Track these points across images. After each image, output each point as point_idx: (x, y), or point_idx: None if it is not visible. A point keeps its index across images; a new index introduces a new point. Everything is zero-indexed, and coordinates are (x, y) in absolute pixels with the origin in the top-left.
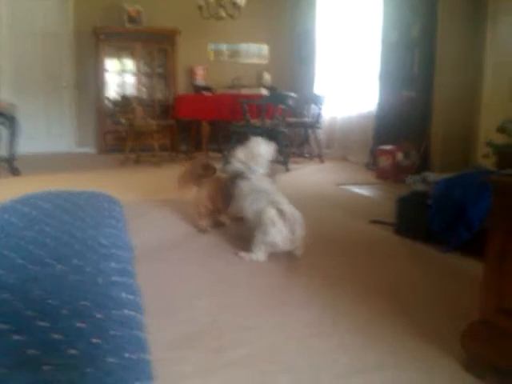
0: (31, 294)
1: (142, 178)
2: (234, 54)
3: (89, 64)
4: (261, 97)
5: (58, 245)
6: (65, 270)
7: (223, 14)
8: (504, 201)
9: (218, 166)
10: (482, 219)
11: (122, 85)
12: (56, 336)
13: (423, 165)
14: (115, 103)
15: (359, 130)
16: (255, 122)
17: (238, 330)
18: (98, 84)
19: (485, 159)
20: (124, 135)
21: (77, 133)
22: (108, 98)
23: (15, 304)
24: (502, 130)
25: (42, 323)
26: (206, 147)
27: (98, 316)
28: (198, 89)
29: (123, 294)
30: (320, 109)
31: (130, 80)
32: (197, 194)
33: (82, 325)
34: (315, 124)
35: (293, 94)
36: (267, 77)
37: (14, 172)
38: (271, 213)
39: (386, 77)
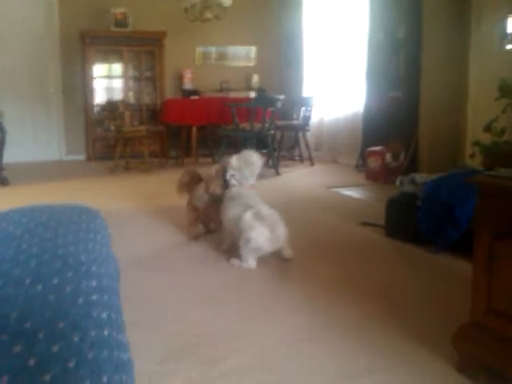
0: (7, 317)
1: (131, 186)
2: (222, 56)
3: (75, 68)
4: (249, 100)
5: (38, 263)
6: (44, 290)
7: (209, 15)
8: (488, 202)
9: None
10: (469, 219)
11: (110, 89)
12: (31, 361)
13: (412, 165)
14: (102, 108)
15: (347, 132)
16: (244, 125)
17: (228, 339)
18: (86, 89)
19: (472, 159)
20: (113, 142)
21: (65, 140)
22: (96, 105)
23: None
24: (487, 129)
25: (16, 348)
26: (195, 152)
27: (76, 339)
28: (186, 93)
29: (103, 314)
30: (309, 111)
31: (118, 84)
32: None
33: (59, 348)
34: (304, 126)
35: (281, 97)
36: (256, 79)
37: (3, 182)
38: (247, 217)
39: (372, 78)
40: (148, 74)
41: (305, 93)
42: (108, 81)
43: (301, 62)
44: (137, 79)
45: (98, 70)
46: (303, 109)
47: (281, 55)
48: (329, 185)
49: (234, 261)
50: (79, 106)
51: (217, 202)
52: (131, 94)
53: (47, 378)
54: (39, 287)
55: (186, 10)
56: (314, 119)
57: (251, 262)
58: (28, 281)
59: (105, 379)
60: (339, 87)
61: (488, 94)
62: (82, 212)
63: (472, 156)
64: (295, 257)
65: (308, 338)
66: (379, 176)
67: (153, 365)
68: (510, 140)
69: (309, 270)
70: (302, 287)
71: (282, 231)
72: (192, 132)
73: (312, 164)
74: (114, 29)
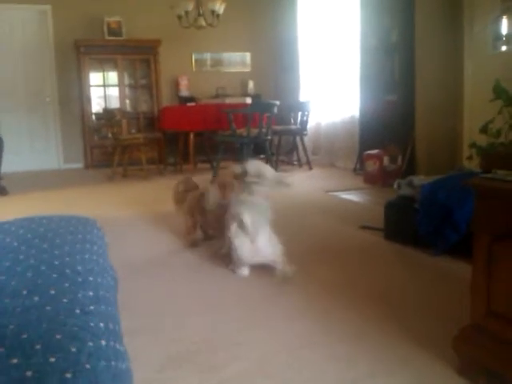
0: (4, 328)
1: (129, 193)
2: (217, 63)
3: (71, 77)
4: (245, 106)
5: (35, 274)
6: (41, 301)
7: (203, 22)
8: (486, 204)
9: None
10: (468, 221)
11: (106, 98)
12: (28, 373)
13: (409, 168)
14: (99, 117)
15: (344, 136)
16: (241, 131)
17: (228, 347)
18: (82, 98)
19: (469, 161)
20: (111, 150)
21: (63, 148)
22: (93, 113)
23: None
24: (484, 131)
25: (13, 360)
26: (193, 159)
27: (73, 349)
28: (182, 99)
29: (101, 324)
30: (306, 115)
31: (114, 92)
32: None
33: (56, 359)
34: (302, 131)
35: (277, 102)
36: (251, 85)
37: (1, 191)
38: (233, 226)
39: (366, 82)
40: (143, 81)
41: (302, 97)
42: (104, 89)
43: (297, 67)
44: (132, 87)
45: (94, 78)
46: (300, 113)
47: (276, 61)
48: (327, 189)
49: (232, 267)
50: (76, 114)
51: (222, 207)
52: (128, 101)
53: None
54: (36, 298)
55: (179, 17)
56: (312, 123)
57: (242, 271)
58: (25, 292)
59: None
60: (336, 91)
61: (483, 95)
62: (78, 223)
63: (469, 158)
64: (295, 261)
65: (308, 343)
66: (377, 179)
67: (152, 373)
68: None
69: (309, 273)
70: (302, 291)
71: (262, 243)
72: (189, 138)
73: (310, 168)
74: (108, 37)
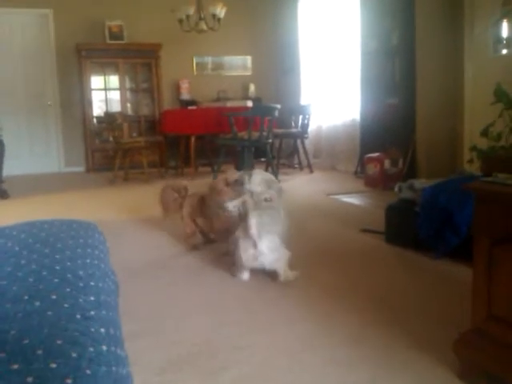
0: (5, 334)
1: (130, 196)
2: (218, 66)
3: (72, 81)
4: (246, 109)
5: (36, 279)
6: (43, 306)
7: (204, 26)
8: (486, 208)
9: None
10: (469, 225)
11: (107, 101)
12: (29, 379)
13: (410, 172)
14: (100, 120)
15: (345, 139)
16: (242, 134)
17: (229, 350)
18: (83, 102)
19: (470, 164)
20: (112, 153)
21: (64, 152)
22: (94, 117)
23: None
24: (484, 134)
25: (15, 366)
26: (194, 162)
27: (74, 355)
28: (183, 103)
29: (102, 329)
30: (307, 119)
31: (115, 96)
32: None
33: (57, 365)
34: (303, 134)
35: (277, 105)
36: (252, 89)
37: (3, 195)
38: (238, 231)
39: (367, 85)
40: (145, 85)
41: (302, 101)
42: (105, 93)
43: (298, 70)
44: (134, 91)
45: (95, 82)
46: (301, 117)
47: (277, 64)
48: (328, 192)
49: (232, 270)
50: (77, 118)
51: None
52: (129, 105)
53: None
54: (37, 303)
55: (180, 21)
56: (313, 127)
57: (242, 275)
58: (26, 297)
59: None
60: (336, 94)
61: (484, 98)
62: (80, 227)
63: (470, 161)
64: (297, 264)
65: (309, 347)
66: (378, 182)
67: (152, 376)
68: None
69: (310, 277)
70: (303, 295)
71: (265, 249)
72: (190, 142)
73: (311, 171)
74: (109, 41)
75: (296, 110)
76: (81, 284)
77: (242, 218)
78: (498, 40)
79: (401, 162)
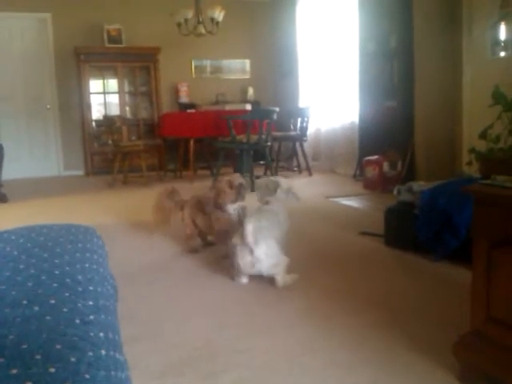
0: (4, 338)
1: (129, 199)
2: (217, 69)
3: (71, 85)
4: (245, 112)
5: (35, 284)
6: (41, 311)
7: (202, 30)
8: (485, 211)
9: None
10: (468, 227)
11: (106, 105)
12: None
13: (409, 174)
14: (99, 124)
15: (344, 142)
16: (241, 137)
17: (229, 353)
18: (82, 105)
19: (469, 167)
20: (111, 156)
21: (63, 155)
22: (93, 120)
23: None
24: (483, 136)
25: (13, 371)
26: (193, 165)
27: (73, 359)
28: (182, 106)
29: (101, 334)
30: (306, 122)
31: (114, 100)
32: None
33: (56, 370)
34: (302, 137)
35: (276, 109)
36: (251, 92)
37: (2, 199)
38: (235, 237)
39: (366, 87)
40: (143, 88)
41: (301, 104)
42: (104, 96)
43: (296, 73)
44: (132, 94)
45: (94, 85)
46: (300, 119)
47: (275, 67)
48: (327, 194)
49: (232, 274)
50: (76, 121)
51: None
52: (128, 108)
53: None
54: (36, 308)
55: (179, 24)
56: (311, 129)
57: (241, 279)
58: (25, 302)
59: None
60: (335, 97)
61: (482, 100)
62: (78, 232)
63: (469, 164)
64: (296, 267)
65: (309, 350)
66: (377, 185)
67: (152, 379)
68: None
69: (309, 279)
70: (302, 297)
71: (262, 255)
72: (189, 145)
73: (310, 174)
74: (108, 45)
75: (295, 112)
76: (80, 288)
77: (240, 223)
78: (496, 42)
79: (400, 164)
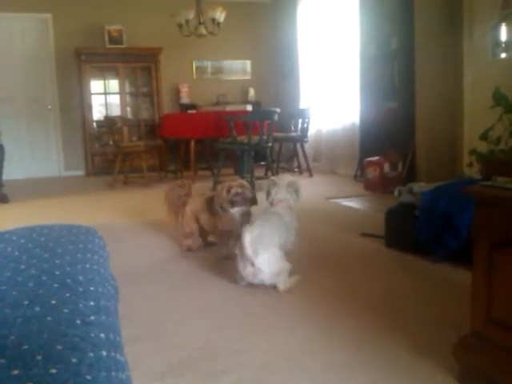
0: (5, 339)
1: (130, 200)
2: (218, 70)
3: (72, 85)
4: (246, 113)
5: (36, 284)
6: (42, 311)
7: (203, 31)
8: (485, 212)
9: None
10: (468, 228)
11: (107, 105)
12: None
13: (410, 175)
14: (100, 124)
15: (345, 142)
16: (242, 138)
17: (229, 354)
18: (83, 106)
19: (470, 168)
20: (112, 157)
21: (64, 156)
22: (94, 121)
23: None
24: (484, 137)
25: (14, 371)
26: (194, 166)
27: (74, 360)
28: (183, 107)
29: (101, 335)
30: (306, 123)
31: (115, 100)
32: (182, 215)
33: (57, 370)
34: (302, 138)
35: (277, 109)
36: (252, 93)
37: (3, 199)
38: (237, 247)
39: (367, 89)
40: (144, 89)
41: (302, 104)
42: (105, 97)
43: (297, 74)
44: (133, 95)
45: (95, 86)
46: (301, 120)
47: (276, 68)
48: (328, 195)
49: (235, 278)
50: (77, 122)
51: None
52: (129, 109)
53: None
54: (37, 308)
55: (180, 25)
56: (312, 130)
57: (243, 283)
58: (26, 302)
59: None
60: (336, 98)
61: (483, 102)
62: (79, 232)
63: (470, 165)
64: (296, 268)
65: (309, 351)
66: (378, 186)
67: (153, 380)
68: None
69: (309, 281)
70: (303, 299)
71: (262, 266)
72: (190, 146)
73: (311, 175)
74: (109, 46)
75: (295, 113)
76: (80, 289)
77: (241, 227)
78: (497, 44)
79: (400, 165)
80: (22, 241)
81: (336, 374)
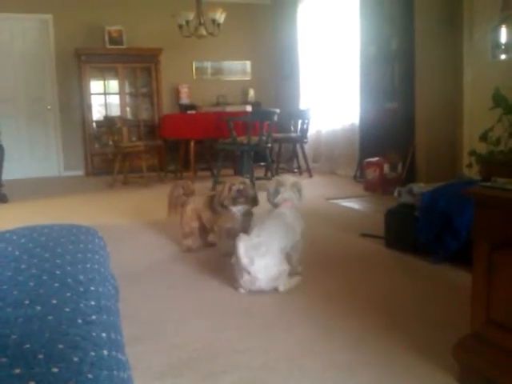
0: (6, 338)
1: (130, 200)
2: (218, 71)
3: (72, 85)
4: (246, 114)
5: (37, 284)
6: (43, 310)
7: (204, 32)
8: (485, 213)
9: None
10: (468, 229)
11: (107, 105)
12: (31, 383)
13: (409, 176)
14: (99, 124)
15: (345, 143)
16: (242, 139)
17: (229, 354)
18: (83, 106)
19: (469, 169)
20: (111, 157)
21: (63, 156)
22: (94, 121)
23: None
24: (483, 138)
25: (16, 370)
26: (193, 166)
27: (75, 359)
28: (183, 107)
29: (103, 334)
30: (306, 123)
31: (115, 100)
32: (182, 214)
33: (58, 369)
34: (302, 139)
35: (277, 110)
36: (252, 93)
37: (2, 199)
38: (233, 256)
39: (367, 89)
40: (144, 89)
41: (302, 105)
42: (105, 97)
43: (297, 75)
44: (133, 95)
45: (95, 86)
46: (300, 121)
47: (276, 69)
48: (328, 196)
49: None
50: (76, 122)
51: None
52: (128, 109)
53: None
54: (38, 308)
55: (180, 26)
56: (312, 131)
57: (242, 290)
58: (27, 301)
59: None
60: (336, 99)
61: (483, 103)
62: (80, 232)
63: (469, 166)
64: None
65: (309, 351)
66: (377, 187)
67: (153, 380)
68: (506, 149)
69: (310, 281)
70: (303, 299)
71: (259, 273)
72: (190, 146)
73: (310, 176)
74: (109, 46)
75: (295, 114)
76: (81, 289)
77: (242, 226)
78: (497, 45)
79: (400, 166)
80: (23, 240)
81: (336, 373)
